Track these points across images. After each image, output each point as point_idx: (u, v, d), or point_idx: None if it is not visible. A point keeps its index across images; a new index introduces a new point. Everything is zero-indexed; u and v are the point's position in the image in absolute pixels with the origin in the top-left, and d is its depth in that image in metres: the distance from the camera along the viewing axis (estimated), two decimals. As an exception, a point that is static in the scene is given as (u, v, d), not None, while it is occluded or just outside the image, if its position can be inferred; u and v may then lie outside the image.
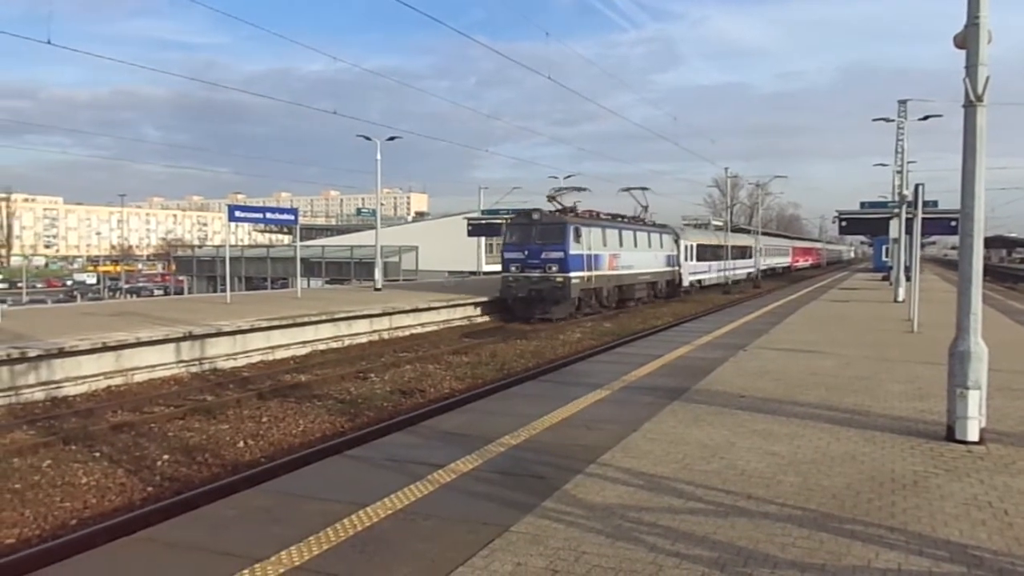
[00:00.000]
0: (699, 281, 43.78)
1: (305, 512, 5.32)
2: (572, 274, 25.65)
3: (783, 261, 77.06)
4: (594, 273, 27.40)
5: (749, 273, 57.54)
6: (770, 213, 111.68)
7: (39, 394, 12.91)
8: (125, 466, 9.49)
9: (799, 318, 20.51)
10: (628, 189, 37.35)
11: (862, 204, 49.75)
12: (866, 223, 52.10)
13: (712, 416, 8.21)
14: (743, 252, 56.66)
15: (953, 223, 34.69)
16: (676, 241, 39.02)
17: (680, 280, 39.26)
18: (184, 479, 9.15)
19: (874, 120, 35.05)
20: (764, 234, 69.12)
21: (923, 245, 23.14)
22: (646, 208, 37.32)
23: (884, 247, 47.87)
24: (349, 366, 16.73)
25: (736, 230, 59.98)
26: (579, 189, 31.12)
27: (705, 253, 45.04)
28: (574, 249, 25.94)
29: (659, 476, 6.07)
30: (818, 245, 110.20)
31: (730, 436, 7.34)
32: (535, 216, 27.04)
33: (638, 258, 32.58)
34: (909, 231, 22.55)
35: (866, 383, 10.24)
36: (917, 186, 18.19)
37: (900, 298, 24.96)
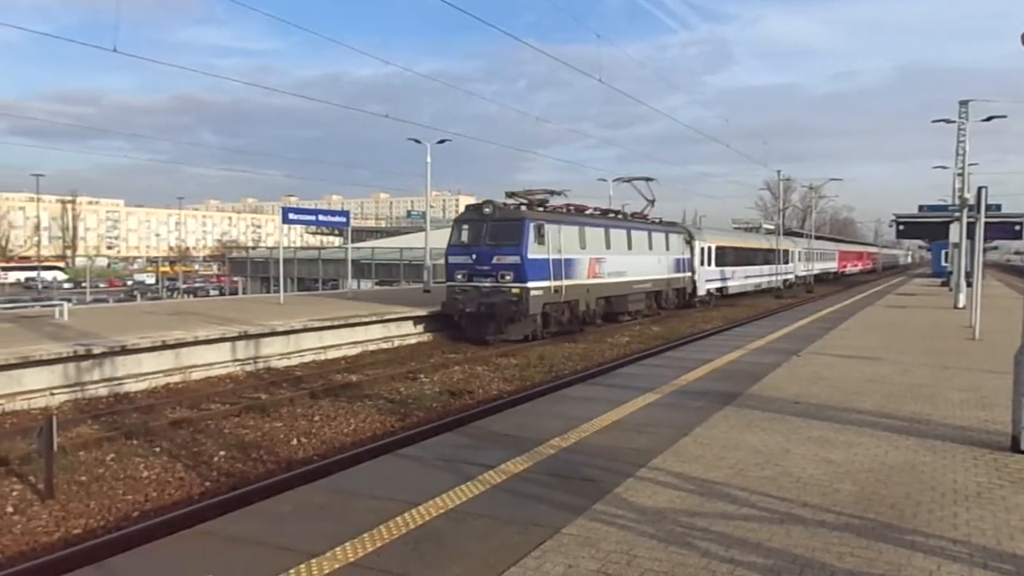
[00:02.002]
0: (720, 290, 37.35)
1: (359, 509, 5.41)
2: (531, 284, 20.21)
3: (828, 266, 69.41)
4: (566, 282, 21.77)
5: (786, 280, 50.90)
6: (823, 216, 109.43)
7: (103, 390, 13.36)
8: (184, 461, 9.76)
9: (854, 324, 20.05)
10: (629, 179, 31.80)
11: (920, 207, 48.45)
12: (924, 227, 50.74)
13: (765, 422, 8.09)
14: (777, 256, 49.61)
15: (1017, 227, 33.64)
16: (688, 242, 33.07)
17: (694, 289, 33.47)
18: (240, 475, 9.37)
19: (934, 121, 34.02)
20: (807, 237, 63.01)
21: (984, 250, 22.40)
22: (652, 202, 31.75)
23: (943, 251, 46.51)
24: (399, 366, 16.91)
25: (789, 233, 58.37)
26: (551, 193, 24.07)
27: (727, 257, 38.50)
28: (534, 252, 20.43)
29: (711, 481, 6.01)
30: (870, 249, 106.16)
31: (784, 442, 7.23)
32: (486, 210, 21.13)
33: (632, 263, 26.80)
34: (970, 235, 21.87)
35: (925, 391, 9.97)
36: (980, 189, 17.62)
37: (960, 304, 24.23)
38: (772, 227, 57.31)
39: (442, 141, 36.00)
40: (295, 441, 10.89)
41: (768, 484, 5.95)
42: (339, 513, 5.36)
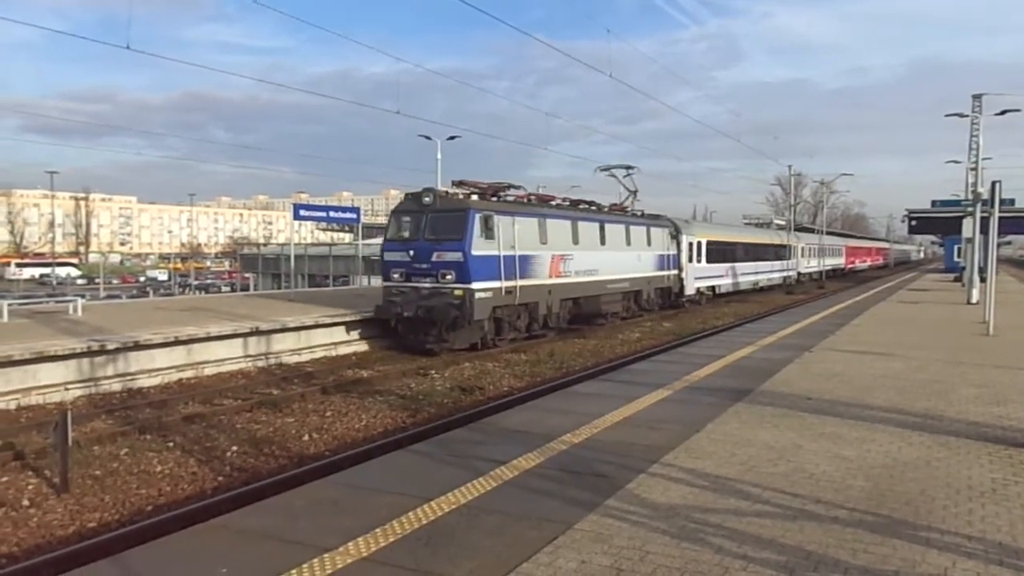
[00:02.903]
0: (711, 288, 34.58)
1: (371, 504, 5.43)
2: (476, 284, 17.45)
3: (835, 262, 65.50)
4: (521, 282, 18.98)
5: (787, 277, 48.30)
6: (835, 212, 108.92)
7: (116, 385, 13.45)
8: (196, 456, 9.82)
9: (867, 319, 19.94)
10: (607, 168, 28.78)
11: (933, 203, 48.22)
12: (937, 222, 50.55)
13: (777, 418, 8.06)
14: (777, 252, 46.68)
15: (1032, 222, 33.36)
16: (674, 237, 30.26)
17: (681, 287, 30.72)
18: (252, 470, 9.41)
19: (947, 116, 33.90)
20: (801, 230, 58.68)
21: (998, 245, 22.26)
22: (634, 193, 29.02)
23: (956, 247, 46.24)
24: (410, 362, 16.94)
25: (800, 229, 57.80)
26: (510, 186, 20.95)
27: (720, 253, 35.59)
28: (480, 248, 17.64)
29: (724, 477, 6.00)
30: (879, 244, 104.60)
31: (797, 439, 7.20)
32: (426, 200, 18.24)
33: (606, 260, 23.96)
34: (984, 230, 21.72)
35: (939, 387, 9.91)
36: (994, 183, 17.47)
37: (974, 300, 24.07)
38: (783, 222, 56.69)
39: (452, 137, 36.15)
40: (307, 436, 10.93)
41: (781, 480, 5.94)
42: (351, 508, 5.38)
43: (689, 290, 31.22)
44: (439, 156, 34.40)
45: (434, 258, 17.71)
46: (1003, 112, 32.33)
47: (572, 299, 22.08)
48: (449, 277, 17.45)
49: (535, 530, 4.90)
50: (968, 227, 25.26)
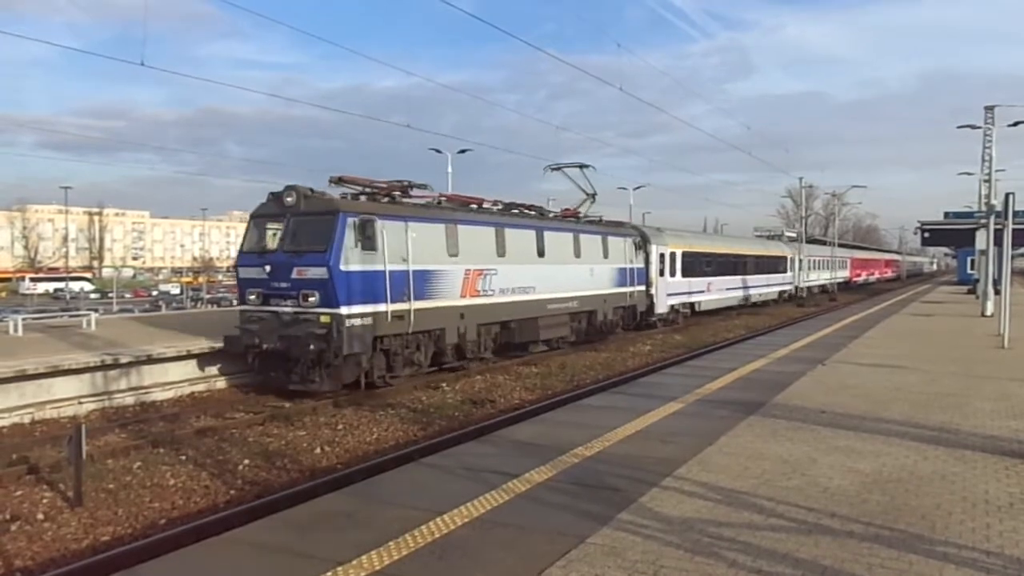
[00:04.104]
0: (690, 305, 30.79)
1: (384, 518, 5.42)
2: (348, 309, 13.62)
3: (836, 275, 60.63)
4: (419, 304, 15.18)
5: (783, 292, 44.40)
6: (847, 224, 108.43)
7: (129, 399, 13.52)
8: (209, 469, 9.85)
9: (879, 332, 19.83)
10: (559, 166, 24.01)
11: (946, 214, 47.98)
12: (950, 234, 50.28)
13: (791, 431, 8.01)
14: (772, 264, 42.66)
15: (1046, 233, 33.12)
16: (641, 247, 25.97)
17: (651, 305, 26.78)
18: (264, 483, 9.43)
19: (959, 127, 33.89)
20: (812, 242, 55.69)
21: (1012, 257, 22.12)
22: (593, 196, 24.27)
23: (969, 259, 45.98)
24: (421, 376, 16.93)
25: (811, 241, 57.33)
26: (412, 185, 16.75)
27: (699, 265, 31.51)
28: (354, 261, 13.81)
29: (738, 491, 5.96)
30: (889, 256, 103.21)
31: (811, 452, 7.16)
32: (288, 200, 14.31)
33: (546, 274, 19.83)
34: (998, 242, 21.58)
35: (954, 400, 9.83)
36: (1008, 195, 17.40)
37: (988, 312, 23.90)
38: (794, 235, 56.24)
39: (463, 151, 36.29)
40: (319, 450, 10.94)
41: (795, 494, 5.90)
42: (364, 521, 5.38)
43: (660, 308, 27.50)
44: (450, 170, 34.54)
45: (294, 275, 13.83)
46: (1016, 124, 32.25)
47: (497, 323, 18.25)
48: (313, 299, 13.62)
49: (548, 544, 4.88)
50: (982, 239, 25.12)
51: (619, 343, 23.40)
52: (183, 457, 10.31)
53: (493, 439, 8.21)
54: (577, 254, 21.56)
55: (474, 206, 18.46)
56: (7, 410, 11.88)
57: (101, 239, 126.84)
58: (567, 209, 23.79)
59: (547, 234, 20.16)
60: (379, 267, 14.28)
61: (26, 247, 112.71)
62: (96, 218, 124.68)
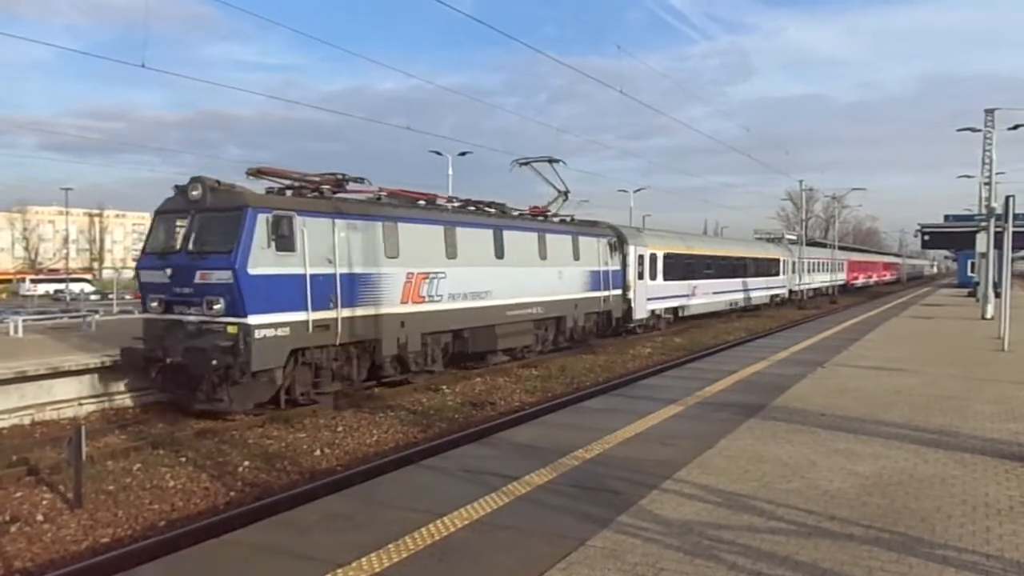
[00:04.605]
0: (674, 310, 29.32)
1: (384, 520, 5.42)
2: (258, 318, 12.05)
3: (832, 278, 59.30)
4: (348, 312, 13.57)
5: (775, 296, 42.90)
6: (847, 227, 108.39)
7: (129, 400, 13.51)
8: (209, 471, 9.85)
9: (879, 335, 19.83)
10: (526, 161, 22.27)
11: (946, 217, 47.99)
12: (950, 237, 50.24)
13: (791, 434, 8.02)
14: (766, 267, 41.29)
15: (1046, 236, 33.14)
16: (618, 248, 24.36)
17: (629, 310, 25.14)
18: (264, 485, 9.43)
19: (959, 130, 33.81)
20: (810, 245, 54.44)
21: (1012, 260, 22.13)
22: (565, 194, 22.71)
23: (969, 261, 46.00)
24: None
25: (810, 244, 57.15)
26: (346, 179, 15.00)
27: (683, 268, 29.77)
28: (266, 263, 12.25)
29: (737, 494, 5.96)
30: (888, 259, 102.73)
31: (811, 455, 7.16)
32: (194, 194, 12.73)
33: (505, 277, 18.19)
34: (998, 245, 21.60)
35: (954, 403, 9.83)
36: (1008, 198, 17.43)
37: (988, 315, 23.90)
38: (794, 237, 56.10)
39: (463, 153, 36.30)
40: (318, 452, 10.95)
41: (795, 497, 5.90)
42: (364, 523, 5.38)
43: (640, 314, 25.95)
44: (450, 172, 34.55)
45: (197, 279, 12.27)
46: (1016, 127, 32.24)
47: (447, 332, 16.69)
48: (218, 307, 12.02)
49: (548, 546, 4.88)
50: (982, 242, 25.12)
51: (618, 346, 23.40)
52: (183, 459, 10.31)
53: (493, 441, 8.21)
54: (543, 255, 20.00)
55: (422, 202, 16.84)
56: (7, 411, 11.88)
57: (101, 240, 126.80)
58: (536, 207, 21.97)
59: (507, 234, 18.58)
60: (298, 270, 12.71)
61: (26, 248, 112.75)
62: (96, 219, 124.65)
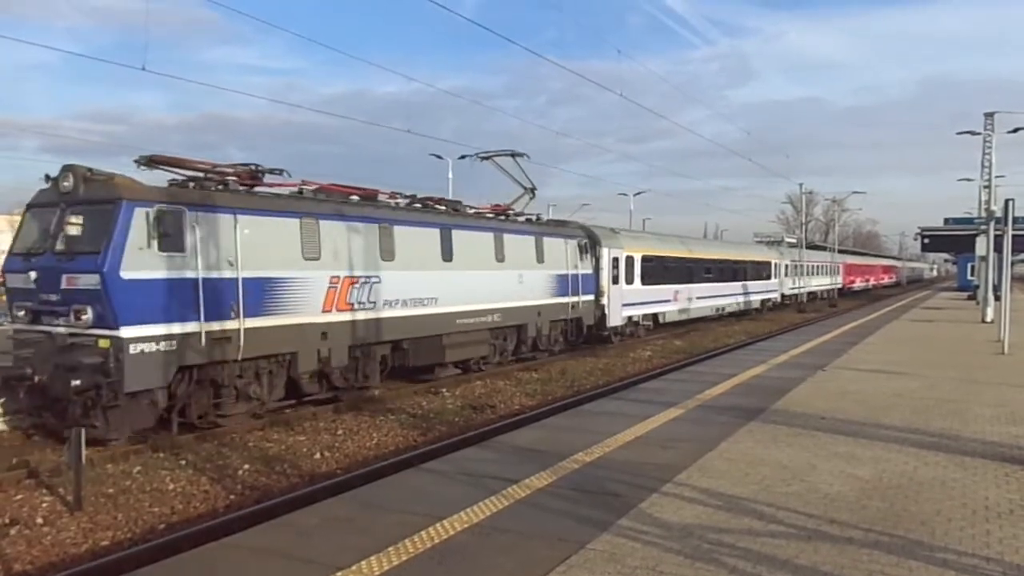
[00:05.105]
0: (653, 316, 27.28)
1: (384, 523, 5.43)
2: (133, 330, 10.27)
3: (826, 281, 56.93)
4: (251, 323, 11.73)
5: (766, 300, 41.19)
6: (847, 230, 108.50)
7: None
8: (208, 474, 9.83)
9: (879, 338, 19.84)
10: (488, 155, 20.29)
11: (946, 220, 48.05)
12: (950, 240, 50.30)
13: (791, 437, 8.02)
14: (756, 270, 39.15)
15: (1046, 240, 33.16)
16: (589, 250, 22.54)
17: (604, 316, 23.41)
18: (264, 488, 9.42)
19: (959, 133, 33.79)
20: (809, 248, 52.82)
21: (1012, 263, 22.14)
22: (532, 191, 20.68)
23: (969, 265, 46.04)
24: (421, 381, 16.91)
25: (809, 247, 57.03)
26: (261, 170, 13.02)
27: (663, 271, 27.80)
28: (144, 266, 10.45)
29: (738, 497, 5.96)
30: (887, 262, 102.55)
31: (811, 458, 7.16)
32: (65, 185, 10.92)
33: (455, 282, 16.39)
34: (998, 248, 21.62)
35: (954, 406, 9.84)
36: (1008, 201, 17.44)
37: (988, 318, 23.91)
38: (794, 240, 56.03)
39: (464, 156, 36.21)
40: (318, 455, 10.94)
41: (795, 500, 5.90)
42: (364, 526, 5.38)
43: (615, 320, 24.18)
44: (451, 175, 34.54)
45: (64, 284, 10.49)
46: (1015, 130, 32.21)
47: (383, 343, 14.73)
48: (86, 317, 10.23)
49: (548, 549, 4.88)
50: (982, 245, 25.14)
51: (619, 349, 23.40)
52: (183, 462, 10.29)
53: (493, 444, 8.22)
54: (500, 258, 18.08)
55: (355, 198, 14.81)
56: (7, 413, 11.82)
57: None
58: (497, 205, 20.00)
59: (457, 233, 16.61)
60: (188, 274, 10.90)
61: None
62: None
